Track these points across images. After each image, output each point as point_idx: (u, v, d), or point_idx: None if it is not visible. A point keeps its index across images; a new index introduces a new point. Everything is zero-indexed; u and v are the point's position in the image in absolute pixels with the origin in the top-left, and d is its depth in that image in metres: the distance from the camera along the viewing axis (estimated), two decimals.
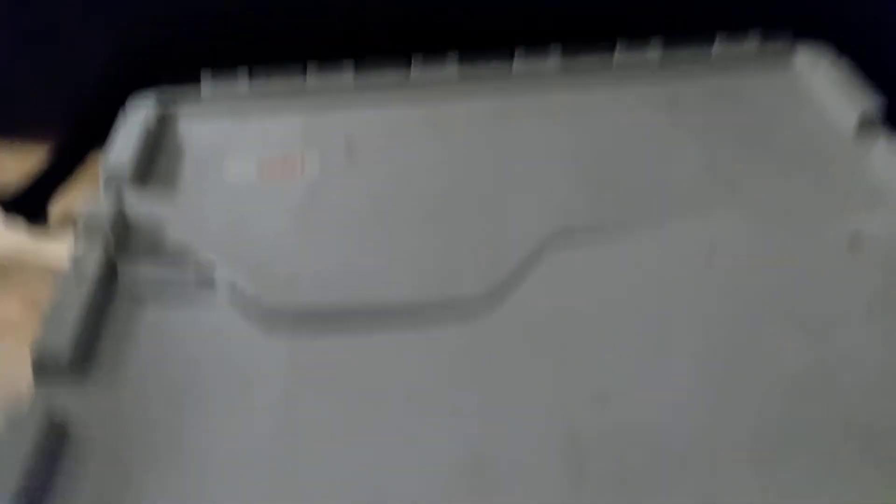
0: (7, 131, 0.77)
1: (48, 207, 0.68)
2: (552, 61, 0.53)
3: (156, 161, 0.49)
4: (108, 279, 0.41)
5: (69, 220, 0.67)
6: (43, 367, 0.36)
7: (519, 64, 0.53)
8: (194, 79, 0.55)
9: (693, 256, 0.42)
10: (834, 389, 0.36)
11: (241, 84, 0.53)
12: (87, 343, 0.38)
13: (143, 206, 0.46)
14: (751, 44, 0.55)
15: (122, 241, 0.43)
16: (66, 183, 0.70)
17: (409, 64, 0.54)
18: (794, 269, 0.41)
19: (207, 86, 0.54)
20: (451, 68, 0.53)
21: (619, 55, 0.54)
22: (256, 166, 0.49)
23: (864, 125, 0.48)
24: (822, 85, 0.51)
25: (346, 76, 0.53)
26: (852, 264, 0.41)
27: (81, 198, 0.45)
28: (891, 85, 0.50)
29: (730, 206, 0.44)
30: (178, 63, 0.58)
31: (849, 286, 0.40)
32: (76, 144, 0.72)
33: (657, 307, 0.40)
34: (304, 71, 0.54)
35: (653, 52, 0.53)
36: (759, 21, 0.56)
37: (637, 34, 0.55)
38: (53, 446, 0.34)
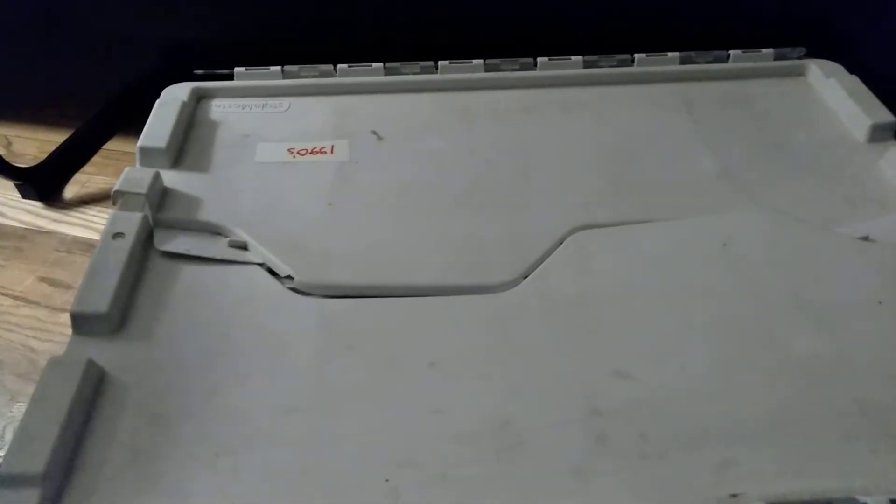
0: (33, 117, 0.79)
1: (64, 185, 0.70)
2: (575, 61, 0.55)
3: (189, 140, 0.51)
4: (146, 241, 0.42)
5: (82, 201, 0.69)
6: (82, 319, 0.38)
7: (543, 61, 0.56)
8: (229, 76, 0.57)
9: (708, 247, 0.43)
10: (846, 371, 0.37)
11: (273, 73, 0.55)
12: (125, 299, 0.39)
13: (176, 180, 0.47)
14: (766, 56, 0.57)
15: (159, 207, 0.45)
16: (82, 165, 0.72)
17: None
18: (805, 263, 0.42)
19: (240, 74, 0.56)
20: (477, 63, 0.55)
21: (639, 58, 0.56)
22: (287, 150, 0.50)
23: (876, 134, 0.50)
24: (834, 95, 0.53)
25: (375, 68, 0.55)
26: (862, 263, 0.42)
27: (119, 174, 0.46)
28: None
29: (744, 205, 0.46)
30: (213, 63, 0.60)
31: (858, 282, 0.41)
32: (101, 129, 0.74)
33: (675, 292, 0.41)
34: (334, 67, 0.57)
35: (671, 57, 0.56)
36: (772, 43, 0.59)
37: (655, 49, 0.57)
38: (92, 392, 0.35)
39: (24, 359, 0.51)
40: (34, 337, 0.53)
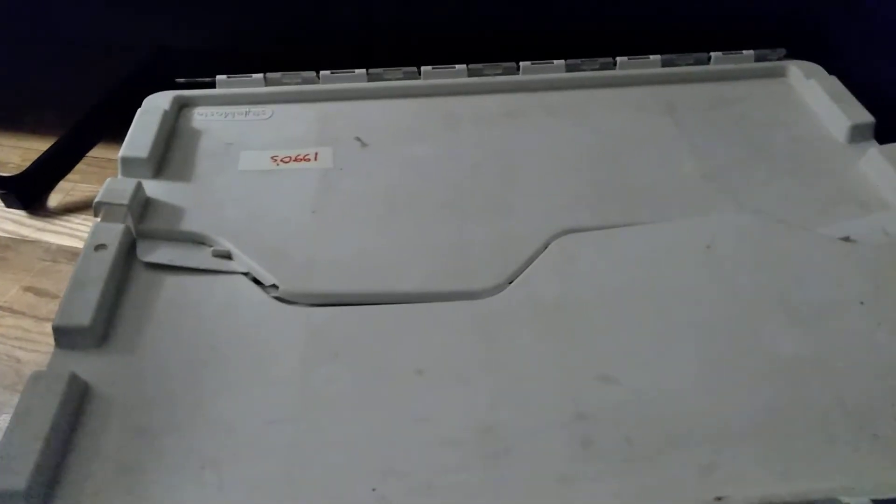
0: (15, 124, 0.79)
1: (48, 193, 0.69)
2: (558, 65, 0.56)
3: (172, 150, 0.51)
4: (128, 252, 0.42)
5: (66, 209, 0.68)
6: (65, 332, 0.37)
7: (526, 65, 0.56)
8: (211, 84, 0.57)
9: (692, 249, 0.44)
10: (829, 371, 0.37)
11: (256, 80, 0.55)
12: (108, 311, 0.39)
13: (159, 190, 0.47)
14: (746, 57, 0.57)
15: (141, 218, 0.45)
16: (66, 173, 0.72)
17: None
18: (788, 264, 0.43)
19: (222, 82, 0.56)
20: (460, 68, 0.55)
21: (621, 61, 0.56)
22: (270, 158, 0.50)
23: (856, 134, 0.50)
24: (814, 96, 0.54)
25: (358, 74, 0.55)
26: (843, 263, 0.43)
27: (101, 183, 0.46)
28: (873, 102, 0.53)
29: (727, 207, 0.46)
30: (195, 71, 0.60)
31: (840, 282, 0.42)
32: (85, 137, 0.74)
33: (659, 296, 0.41)
34: (317, 73, 0.57)
35: (653, 60, 0.56)
36: (753, 44, 0.59)
37: (638, 52, 0.58)
38: (75, 406, 0.35)
39: (10, 370, 0.51)
40: (20, 347, 0.53)
